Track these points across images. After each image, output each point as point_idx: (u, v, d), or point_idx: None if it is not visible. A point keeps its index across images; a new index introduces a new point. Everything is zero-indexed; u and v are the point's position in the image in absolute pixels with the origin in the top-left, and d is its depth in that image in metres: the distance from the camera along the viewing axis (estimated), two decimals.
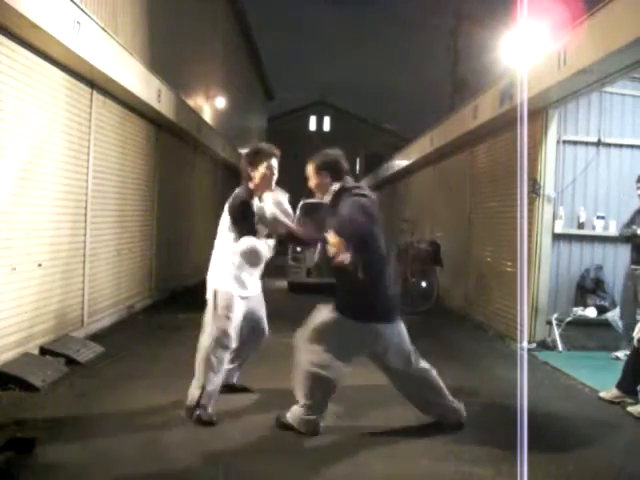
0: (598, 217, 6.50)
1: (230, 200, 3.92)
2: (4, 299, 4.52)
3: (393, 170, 14.46)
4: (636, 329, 4.38)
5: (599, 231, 6.50)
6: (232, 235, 3.86)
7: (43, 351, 5.01)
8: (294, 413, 3.65)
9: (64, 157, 5.51)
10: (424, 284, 9.10)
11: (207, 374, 3.75)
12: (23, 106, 4.72)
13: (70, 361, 4.98)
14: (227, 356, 3.89)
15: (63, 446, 3.30)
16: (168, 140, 9.04)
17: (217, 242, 3.98)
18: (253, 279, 4.02)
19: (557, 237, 6.45)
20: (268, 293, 4.24)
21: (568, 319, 6.26)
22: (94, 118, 6.13)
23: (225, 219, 3.92)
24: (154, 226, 8.52)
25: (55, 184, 5.36)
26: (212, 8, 13.63)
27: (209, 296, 3.89)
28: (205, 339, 3.82)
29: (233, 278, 3.86)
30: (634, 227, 5.45)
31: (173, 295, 9.16)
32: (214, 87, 13.94)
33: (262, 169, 3.89)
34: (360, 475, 3.11)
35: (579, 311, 6.25)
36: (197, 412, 3.72)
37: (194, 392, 3.76)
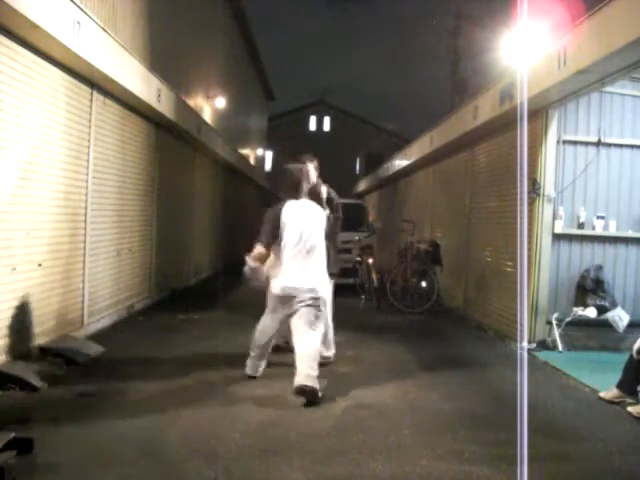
0: (598, 217, 6.49)
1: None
2: (4, 299, 4.52)
3: (393, 170, 14.45)
4: (637, 342, 4.34)
5: (599, 231, 6.50)
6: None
7: (43, 351, 5.01)
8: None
9: (64, 157, 5.51)
10: (424, 284, 9.10)
11: None
12: (23, 106, 4.72)
13: (70, 361, 4.98)
14: None
15: (63, 446, 3.30)
16: (168, 140, 9.04)
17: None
18: None
19: (557, 237, 6.44)
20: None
21: (568, 319, 6.26)
22: (94, 118, 6.13)
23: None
24: (154, 226, 8.52)
25: (55, 184, 5.36)
26: (212, 8, 13.63)
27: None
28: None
29: None
30: None
31: (173, 295, 9.16)
32: (214, 87, 13.94)
33: None
34: (360, 475, 3.11)
35: (579, 311, 6.25)
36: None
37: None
